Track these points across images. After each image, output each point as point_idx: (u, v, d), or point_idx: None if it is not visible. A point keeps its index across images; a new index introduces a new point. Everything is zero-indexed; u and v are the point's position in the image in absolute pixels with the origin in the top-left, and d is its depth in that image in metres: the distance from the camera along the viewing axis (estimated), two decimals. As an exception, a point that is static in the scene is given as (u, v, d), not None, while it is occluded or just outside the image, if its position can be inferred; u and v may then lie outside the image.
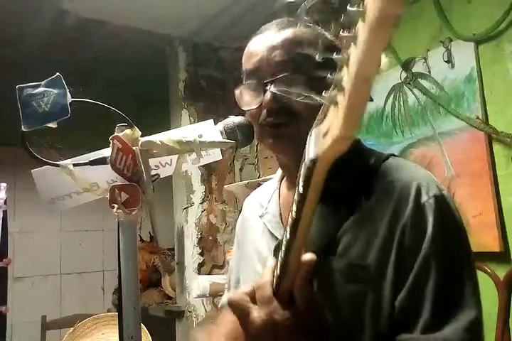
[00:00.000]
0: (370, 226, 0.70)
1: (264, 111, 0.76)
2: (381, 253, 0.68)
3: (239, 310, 0.60)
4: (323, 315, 0.65)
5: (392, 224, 0.68)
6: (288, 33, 0.77)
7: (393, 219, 0.69)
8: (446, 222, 0.69)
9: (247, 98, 0.78)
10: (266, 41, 0.77)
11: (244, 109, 0.79)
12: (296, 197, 0.52)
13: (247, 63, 0.79)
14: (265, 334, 0.57)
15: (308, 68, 0.71)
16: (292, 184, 0.85)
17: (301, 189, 0.49)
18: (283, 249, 0.56)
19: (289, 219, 0.54)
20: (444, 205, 0.70)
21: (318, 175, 0.47)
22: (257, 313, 0.58)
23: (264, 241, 0.85)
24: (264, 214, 0.87)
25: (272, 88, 0.74)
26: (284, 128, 0.75)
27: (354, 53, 0.36)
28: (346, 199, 0.73)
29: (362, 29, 0.35)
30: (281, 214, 0.84)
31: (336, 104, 0.41)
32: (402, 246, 0.67)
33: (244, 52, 0.81)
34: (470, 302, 0.66)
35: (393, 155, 0.80)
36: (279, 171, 0.93)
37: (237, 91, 0.80)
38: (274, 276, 0.59)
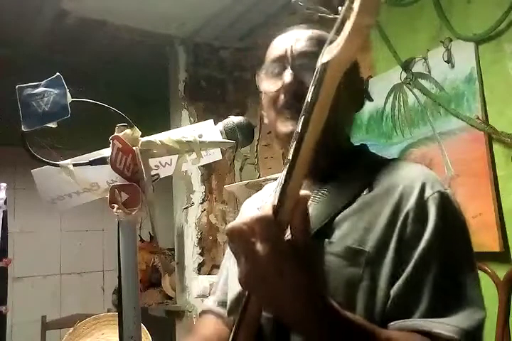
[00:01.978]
0: (371, 215, 0.70)
1: (283, 95, 0.77)
2: (380, 240, 0.68)
3: (240, 238, 0.54)
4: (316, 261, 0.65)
5: (394, 214, 0.69)
6: (310, 31, 0.80)
7: (395, 210, 0.69)
8: (449, 216, 0.70)
9: (269, 82, 0.80)
10: (292, 35, 0.80)
11: (265, 91, 0.81)
12: (302, 110, 0.51)
13: (271, 53, 0.81)
14: (267, 264, 0.52)
15: None
16: None
17: (309, 97, 0.48)
18: (283, 175, 0.53)
19: (293, 138, 0.52)
20: (447, 201, 0.71)
21: (330, 81, 0.46)
22: (259, 242, 0.53)
23: None
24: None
25: (292, 71, 0.75)
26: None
27: None
28: (350, 189, 0.74)
29: None
30: None
31: (348, 16, 0.43)
32: (403, 236, 0.68)
33: (270, 46, 0.84)
34: (471, 298, 0.66)
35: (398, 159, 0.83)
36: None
37: (258, 77, 0.81)
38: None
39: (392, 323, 0.65)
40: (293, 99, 0.75)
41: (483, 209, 1.70)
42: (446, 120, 1.87)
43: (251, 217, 0.54)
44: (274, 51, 0.81)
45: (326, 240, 0.70)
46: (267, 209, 0.53)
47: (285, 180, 0.53)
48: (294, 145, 0.52)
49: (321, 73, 0.47)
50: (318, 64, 0.48)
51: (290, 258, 0.53)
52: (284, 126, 0.77)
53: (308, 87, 0.72)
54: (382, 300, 0.66)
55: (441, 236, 0.67)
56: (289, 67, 0.76)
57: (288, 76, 0.75)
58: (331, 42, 0.49)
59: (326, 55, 0.47)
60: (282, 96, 0.77)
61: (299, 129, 0.51)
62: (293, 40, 0.79)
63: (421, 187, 0.71)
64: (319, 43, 0.76)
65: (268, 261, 0.52)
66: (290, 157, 0.52)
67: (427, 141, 1.94)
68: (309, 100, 0.49)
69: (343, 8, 0.46)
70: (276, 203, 0.53)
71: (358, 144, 0.87)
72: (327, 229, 0.71)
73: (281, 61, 0.78)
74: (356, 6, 0.42)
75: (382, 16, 2.15)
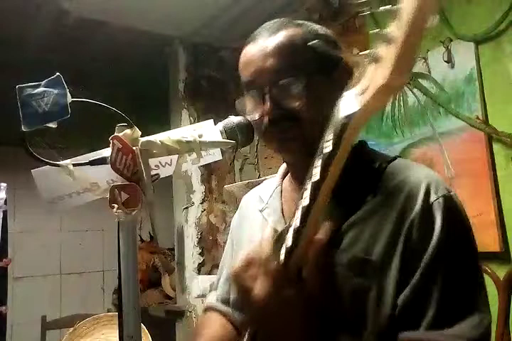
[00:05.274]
0: (376, 222, 0.70)
1: (266, 120, 0.76)
2: (386, 248, 0.68)
3: (243, 283, 0.55)
4: (330, 299, 0.65)
5: (400, 220, 0.69)
6: (280, 37, 0.76)
7: (401, 216, 0.69)
8: (455, 221, 0.69)
9: (249, 108, 0.79)
10: (259, 49, 0.77)
11: (250, 118, 0.80)
12: (321, 158, 0.51)
13: (245, 73, 0.79)
14: (270, 309, 0.54)
15: (306, 70, 0.73)
16: (296, 180, 0.85)
17: (328, 148, 0.48)
18: (298, 216, 0.53)
19: (309, 183, 0.53)
20: (452, 205, 0.70)
21: (352, 133, 0.46)
22: (262, 287, 0.54)
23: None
24: (264, 209, 0.87)
25: (270, 96, 0.74)
26: (288, 133, 0.76)
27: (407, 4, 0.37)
28: (353, 195, 0.73)
29: None
30: (283, 209, 0.84)
31: (377, 60, 0.41)
32: (408, 243, 0.67)
33: (240, 60, 0.80)
34: (479, 303, 0.66)
35: (399, 156, 0.80)
36: (282, 168, 0.93)
37: (237, 102, 0.81)
38: (279, 249, 0.56)
39: (401, 335, 0.64)
40: (276, 123, 0.76)
41: (483, 209, 1.70)
42: (446, 120, 1.87)
43: (248, 259, 0.55)
44: (246, 71, 0.78)
45: (334, 249, 0.69)
46: (267, 252, 0.55)
47: (300, 224, 0.52)
48: (310, 190, 0.52)
49: (343, 126, 0.46)
50: (339, 116, 0.46)
51: (295, 306, 0.54)
52: (274, 144, 0.80)
53: (287, 105, 0.73)
54: (390, 310, 0.66)
55: (448, 244, 0.66)
56: (266, 92, 0.75)
57: (267, 102, 0.75)
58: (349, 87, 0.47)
59: (348, 105, 0.46)
60: (265, 121, 0.77)
61: (316, 178, 0.51)
62: (262, 55, 0.75)
63: (425, 191, 0.70)
64: (291, 49, 0.75)
65: (271, 308, 0.53)
66: (306, 202, 0.52)
67: (427, 141, 1.94)
68: (329, 151, 0.49)
69: (369, 53, 0.43)
70: (289, 246, 0.53)
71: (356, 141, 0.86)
72: (334, 237, 0.70)
73: (257, 84, 0.76)
74: (388, 62, 0.39)
75: (382, 16, 2.15)
